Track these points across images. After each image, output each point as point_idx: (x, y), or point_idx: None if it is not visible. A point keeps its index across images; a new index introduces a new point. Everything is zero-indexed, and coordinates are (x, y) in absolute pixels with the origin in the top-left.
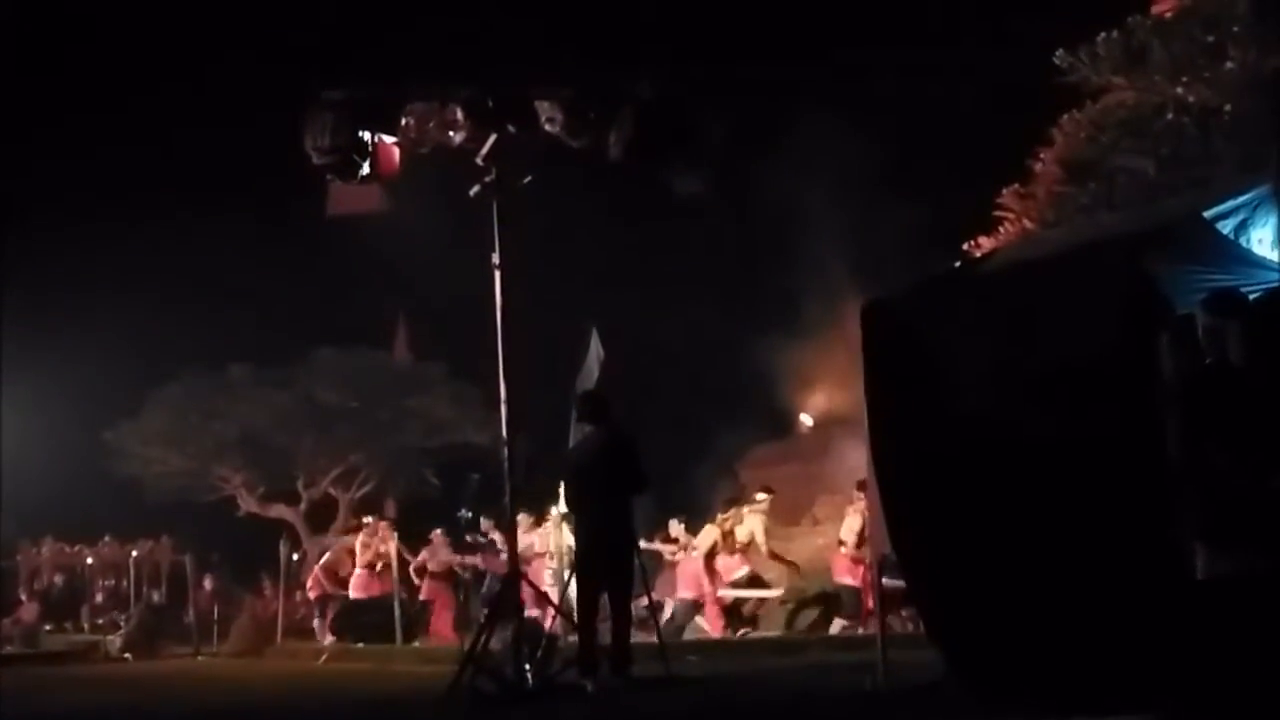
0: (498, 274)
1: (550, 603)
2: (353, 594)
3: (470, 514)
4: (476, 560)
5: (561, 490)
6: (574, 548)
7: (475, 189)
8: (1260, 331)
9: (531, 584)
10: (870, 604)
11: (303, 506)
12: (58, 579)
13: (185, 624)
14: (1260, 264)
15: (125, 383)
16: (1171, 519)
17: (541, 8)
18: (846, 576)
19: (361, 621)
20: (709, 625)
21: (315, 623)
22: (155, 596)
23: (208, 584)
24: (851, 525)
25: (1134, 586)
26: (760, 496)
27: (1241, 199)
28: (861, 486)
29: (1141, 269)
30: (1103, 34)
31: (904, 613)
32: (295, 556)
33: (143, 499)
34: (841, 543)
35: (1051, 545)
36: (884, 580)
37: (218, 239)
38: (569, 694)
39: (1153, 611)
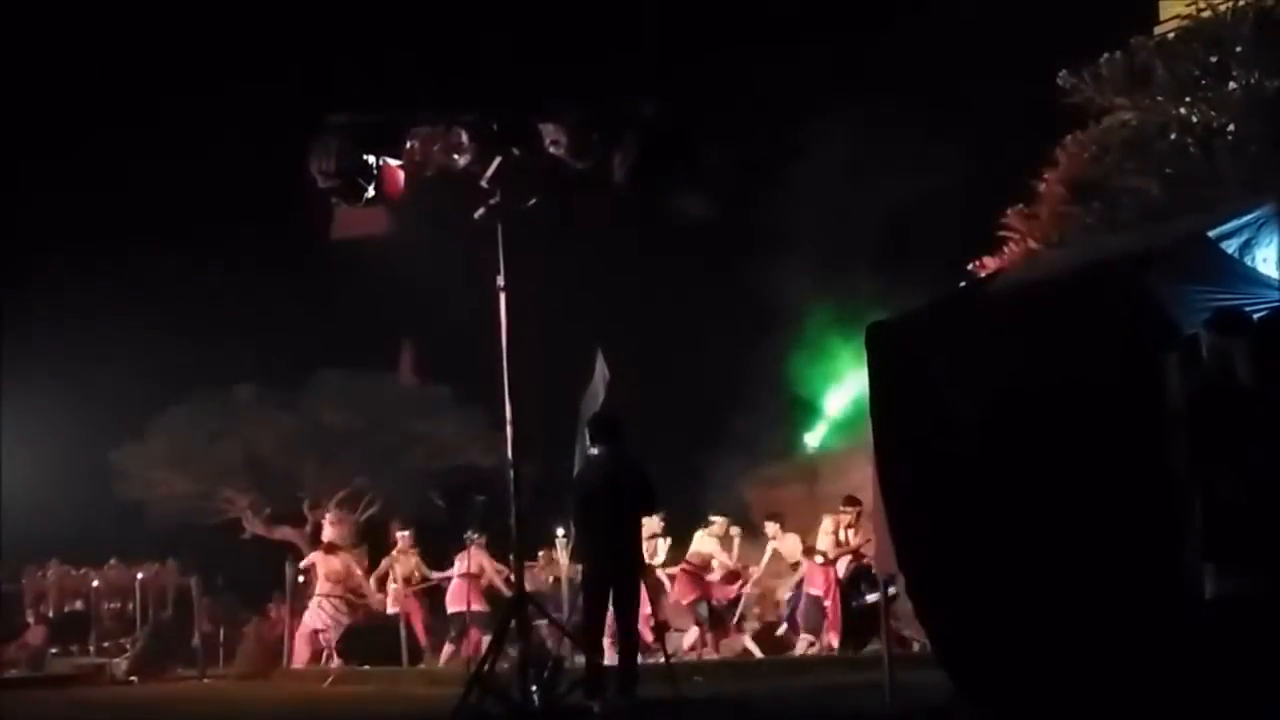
0: (503, 296)
1: (558, 625)
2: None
3: (475, 536)
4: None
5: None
6: (583, 570)
7: (480, 211)
8: (1266, 350)
9: (540, 606)
10: (833, 617)
11: (308, 529)
12: (64, 603)
13: (191, 646)
14: (1265, 283)
15: (130, 405)
16: (1178, 539)
17: (546, 31)
18: (816, 587)
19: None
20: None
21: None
22: (164, 616)
23: (206, 605)
24: (826, 529)
25: (1141, 606)
26: (715, 519)
27: (1245, 218)
28: (848, 501)
29: (1146, 289)
30: (1106, 55)
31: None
32: (301, 579)
33: (148, 522)
34: (819, 552)
35: (1058, 565)
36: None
37: (223, 262)
38: (576, 715)
39: (1160, 631)
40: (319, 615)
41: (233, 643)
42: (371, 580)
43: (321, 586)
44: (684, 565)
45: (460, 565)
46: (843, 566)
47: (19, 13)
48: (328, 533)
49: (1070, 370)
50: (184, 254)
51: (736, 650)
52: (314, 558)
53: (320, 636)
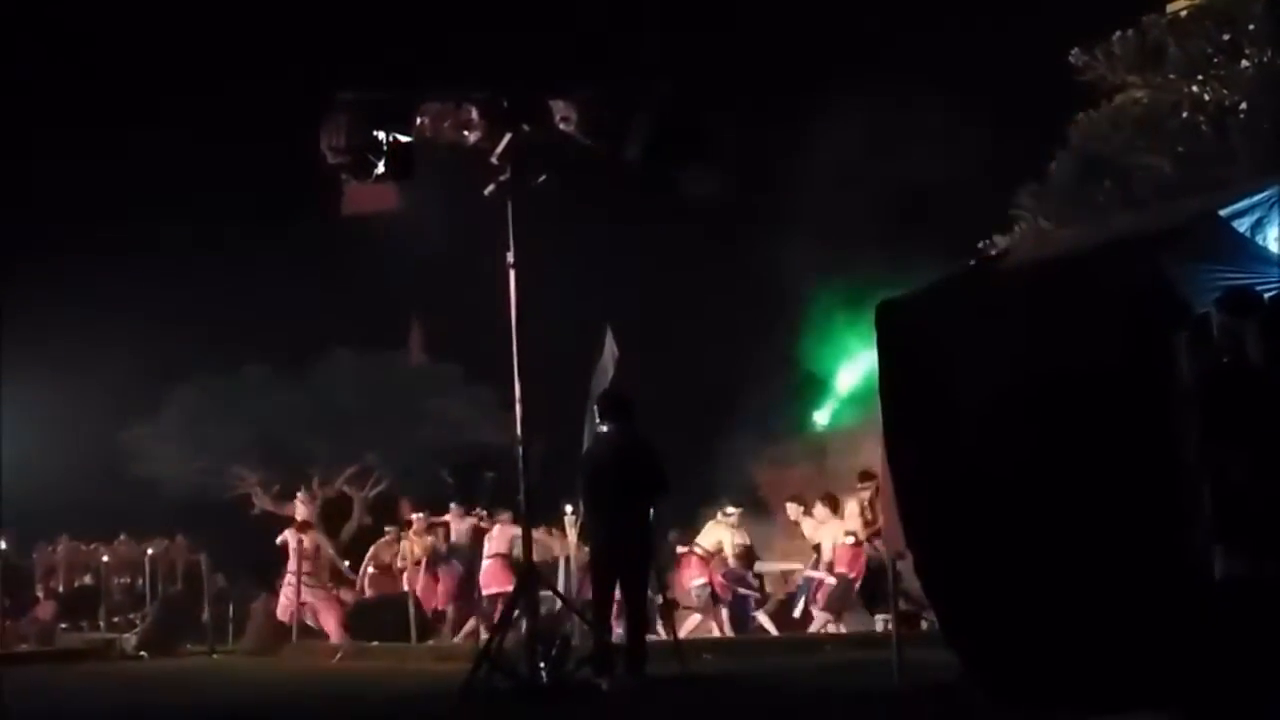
0: (512, 273)
1: (567, 601)
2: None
3: (485, 513)
4: None
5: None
6: (591, 547)
7: (490, 188)
8: (1277, 330)
9: (550, 584)
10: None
11: (317, 505)
12: (74, 578)
13: (201, 622)
14: (1276, 262)
15: (141, 383)
16: (1187, 520)
17: (557, 6)
18: (846, 567)
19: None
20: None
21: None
22: (173, 592)
23: (216, 581)
24: (852, 511)
25: (1150, 586)
26: (729, 510)
27: (1257, 197)
28: (863, 476)
29: (1157, 268)
30: (1118, 33)
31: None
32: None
33: (158, 498)
34: (849, 532)
35: (1067, 545)
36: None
37: (233, 239)
38: (584, 692)
39: (1169, 611)
40: (291, 591)
41: (242, 618)
42: (398, 561)
43: (292, 564)
44: (692, 550)
45: (489, 546)
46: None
47: None
48: (299, 511)
49: (1080, 349)
50: (194, 231)
51: (752, 627)
52: (286, 535)
53: (305, 611)
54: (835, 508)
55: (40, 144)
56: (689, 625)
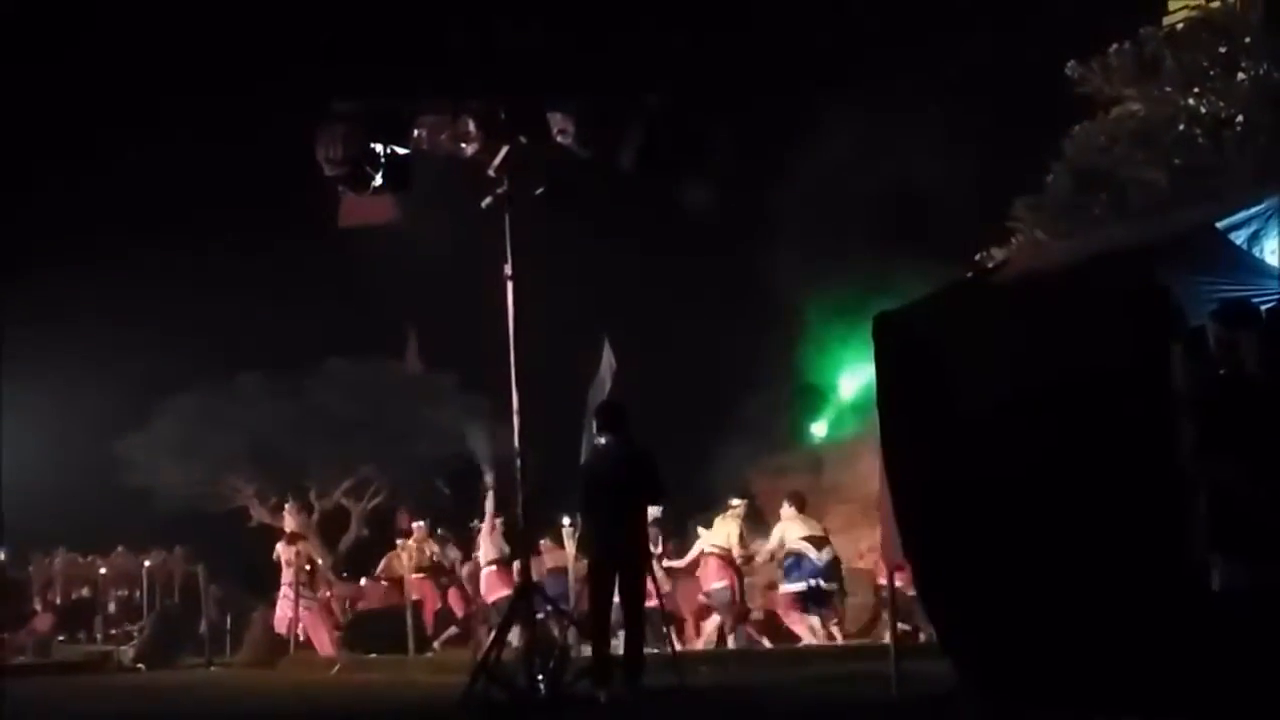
0: (510, 285)
1: (563, 613)
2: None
3: (481, 523)
4: None
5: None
6: (589, 558)
7: (487, 200)
8: (1275, 342)
9: (546, 595)
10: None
11: (315, 517)
12: (72, 590)
13: (198, 634)
14: (1272, 275)
15: (135, 393)
16: (1184, 530)
17: (553, 19)
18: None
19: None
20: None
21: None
22: (170, 604)
23: (213, 593)
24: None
25: (1148, 597)
26: (735, 502)
27: (1254, 210)
28: None
29: (1154, 280)
30: (1115, 45)
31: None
32: (307, 566)
33: (154, 509)
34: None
35: (1065, 556)
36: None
37: (229, 249)
38: (581, 704)
39: (1168, 622)
40: (285, 604)
41: (239, 630)
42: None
43: (285, 576)
44: (713, 551)
45: (482, 555)
46: None
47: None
48: (288, 522)
49: (1077, 361)
50: (190, 242)
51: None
52: (279, 548)
53: (298, 626)
54: (801, 506)
55: (36, 155)
56: (709, 628)
